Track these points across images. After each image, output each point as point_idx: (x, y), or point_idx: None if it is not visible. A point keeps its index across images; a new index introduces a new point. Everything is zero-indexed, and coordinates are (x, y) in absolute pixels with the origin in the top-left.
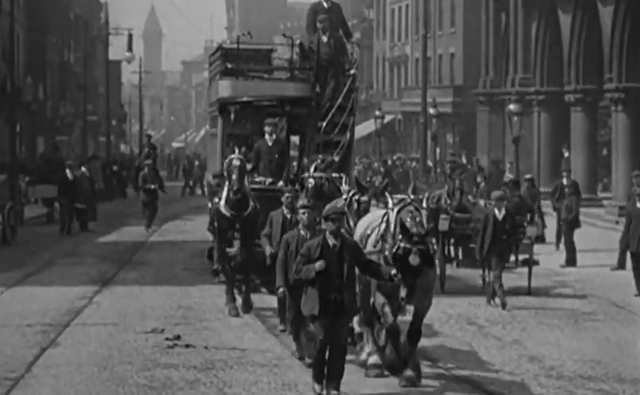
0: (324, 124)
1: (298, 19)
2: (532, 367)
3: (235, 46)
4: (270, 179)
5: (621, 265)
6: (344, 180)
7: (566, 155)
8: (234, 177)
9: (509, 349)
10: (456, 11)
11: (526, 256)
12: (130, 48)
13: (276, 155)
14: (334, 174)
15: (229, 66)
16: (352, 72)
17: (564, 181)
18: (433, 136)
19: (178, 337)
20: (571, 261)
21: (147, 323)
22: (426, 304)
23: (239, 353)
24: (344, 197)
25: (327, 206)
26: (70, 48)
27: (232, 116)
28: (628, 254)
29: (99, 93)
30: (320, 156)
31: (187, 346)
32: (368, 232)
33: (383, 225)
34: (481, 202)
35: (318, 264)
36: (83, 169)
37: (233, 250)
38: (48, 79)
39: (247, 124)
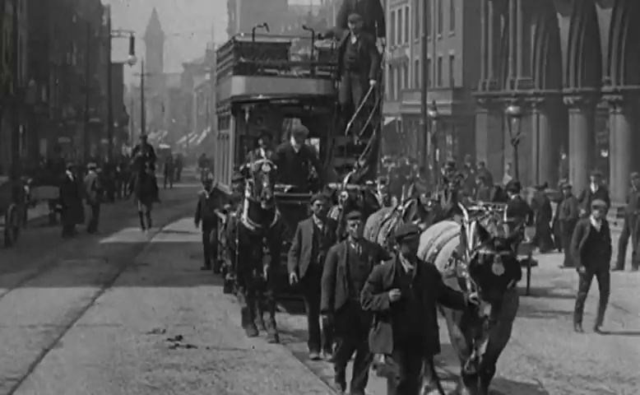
0: (349, 125)
1: (299, 21)
2: (531, 367)
3: (249, 39)
4: (289, 186)
5: (620, 265)
6: (379, 188)
7: (563, 157)
8: (264, 184)
9: (508, 349)
10: (455, 13)
11: (525, 257)
12: (132, 51)
13: (303, 164)
14: (368, 182)
15: (243, 61)
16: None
17: (592, 187)
18: (432, 138)
19: (179, 338)
20: (569, 262)
21: (149, 324)
22: (504, 339)
23: (241, 353)
24: (395, 208)
25: (401, 226)
26: (72, 50)
27: (246, 116)
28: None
29: (102, 95)
30: (355, 165)
31: (189, 346)
32: (434, 250)
33: (455, 242)
34: (480, 203)
35: (392, 293)
36: (90, 172)
37: (265, 269)
38: (51, 81)
39: (262, 125)
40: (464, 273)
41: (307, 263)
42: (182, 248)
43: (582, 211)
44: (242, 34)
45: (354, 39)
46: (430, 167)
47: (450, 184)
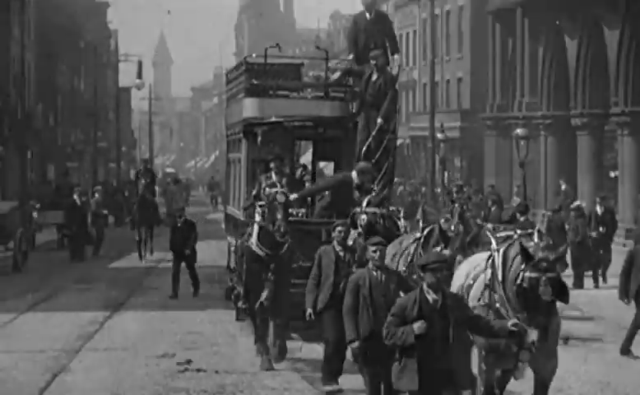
0: (364, 148)
1: (306, 45)
2: None
3: (261, 60)
4: (302, 210)
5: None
6: (402, 214)
7: (563, 187)
8: (279, 216)
9: None
10: (463, 36)
11: None
12: (140, 75)
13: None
14: (391, 208)
15: (255, 82)
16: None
17: (598, 209)
18: (441, 160)
19: (189, 362)
20: (578, 284)
21: (158, 348)
22: (552, 365)
23: (250, 377)
24: (417, 234)
25: (425, 254)
26: (80, 75)
27: (259, 139)
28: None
29: (110, 119)
30: (374, 189)
31: (199, 370)
32: (470, 281)
33: (488, 272)
34: (489, 226)
35: (417, 326)
36: (96, 195)
37: (263, 295)
38: (59, 106)
39: (275, 148)
40: (497, 304)
41: (328, 293)
42: None
43: (593, 234)
44: (254, 55)
45: (374, 77)
46: (438, 190)
47: (456, 205)
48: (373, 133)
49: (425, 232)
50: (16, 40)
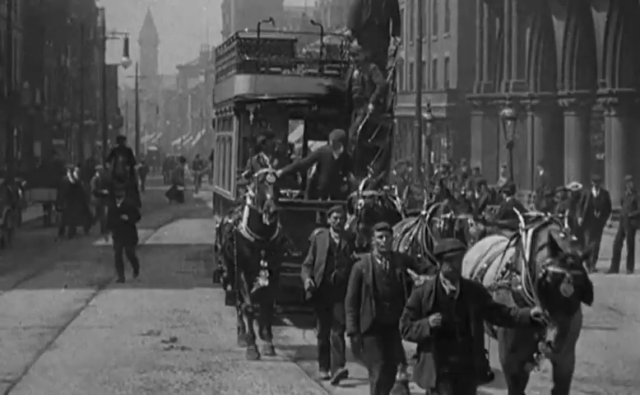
0: (360, 126)
1: (294, 23)
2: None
3: (254, 36)
4: (296, 191)
5: (614, 268)
6: (397, 195)
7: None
8: (268, 197)
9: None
10: (450, 15)
11: None
12: (126, 53)
13: (340, 172)
14: (385, 187)
15: (248, 58)
16: (391, 65)
17: (594, 192)
18: (427, 140)
19: (174, 340)
20: None
21: (143, 326)
22: (570, 359)
23: (235, 355)
24: (422, 212)
25: (440, 242)
26: (67, 52)
27: (251, 117)
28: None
29: (96, 97)
30: (370, 170)
31: (183, 348)
32: (484, 265)
33: (510, 252)
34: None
35: (432, 318)
36: (97, 174)
37: (261, 281)
38: (45, 83)
39: (267, 126)
40: (519, 286)
41: (320, 279)
42: (176, 250)
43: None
44: (246, 29)
45: (355, 73)
46: (422, 169)
47: (436, 187)
48: (369, 113)
49: (431, 209)
50: (2, 18)
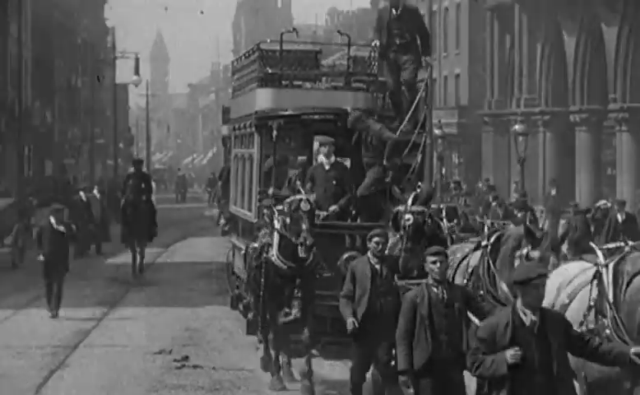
0: (391, 145)
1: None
2: None
3: (276, 47)
4: (324, 213)
5: None
6: (444, 213)
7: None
8: (304, 227)
9: None
10: (461, 32)
11: None
12: (137, 72)
13: (334, 182)
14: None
15: (270, 71)
16: (424, 79)
17: (619, 217)
18: (438, 156)
19: (185, 358)
20: None
21: (155, 345)
22: None
23: (247, 373)
24: (482, 240)
25: (521, 267)
26: (77, 72)
27: (274, 133)
28: None
29: (107, 116)
30: (420, 184)
31: (195, 367)
32: (565, 300)
33: (594, 291)
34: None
35: (511, 354)
36: (95, 191)
37: (293, 312)
38: (56, 103)
39: (290, 143)
40: (607, 331)
41: (363, 311)
42: (188, 268)
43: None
44: (268, 40)
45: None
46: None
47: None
48: (401, 128)
49: (492, 239)
50: (13, 37)
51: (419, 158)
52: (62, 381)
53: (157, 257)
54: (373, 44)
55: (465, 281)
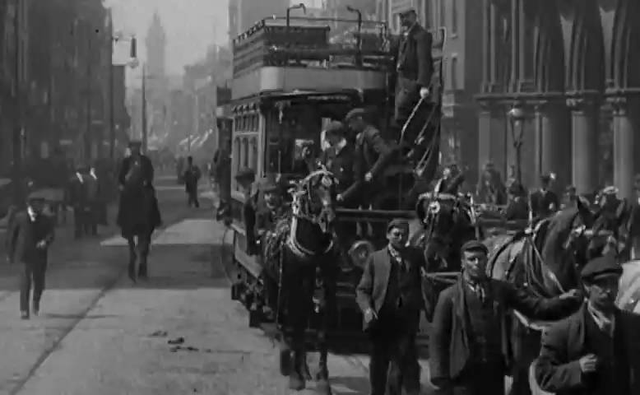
0: (405, 127)
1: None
2: None
3: (282, 24)
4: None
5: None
6: (472, 202)
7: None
8: (325, 203)
9: None
10: (457, 16)
11: None
12: (133, 54)
13: (341, 169)
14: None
15: (276, 49)
16: (439, 58)
17: None
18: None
19: (181, 340)
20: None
21: (150, 327)
22: None
23: (242, 356)
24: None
25: (593, 261)
26: (74, 53)
27: (280, 115)
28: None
29: (103, 98)
30: (447, 168)
31: (190, 349)
32: (630, 300)
33: None
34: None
35: (585, 362)
36: (92, 172)
37: (318, 303)
38: (53, 84)
39: (297, 126)
40: None
41: (380, 306)
42: (183, 251)
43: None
44: (274, 16)
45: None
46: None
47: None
48: (415, 109)
49: (538, 226)
50: (10, 18)
51: (434, 141)
52: (56, 362)
53: (153, 239)
54: (382, 22)
55: (506, 272)
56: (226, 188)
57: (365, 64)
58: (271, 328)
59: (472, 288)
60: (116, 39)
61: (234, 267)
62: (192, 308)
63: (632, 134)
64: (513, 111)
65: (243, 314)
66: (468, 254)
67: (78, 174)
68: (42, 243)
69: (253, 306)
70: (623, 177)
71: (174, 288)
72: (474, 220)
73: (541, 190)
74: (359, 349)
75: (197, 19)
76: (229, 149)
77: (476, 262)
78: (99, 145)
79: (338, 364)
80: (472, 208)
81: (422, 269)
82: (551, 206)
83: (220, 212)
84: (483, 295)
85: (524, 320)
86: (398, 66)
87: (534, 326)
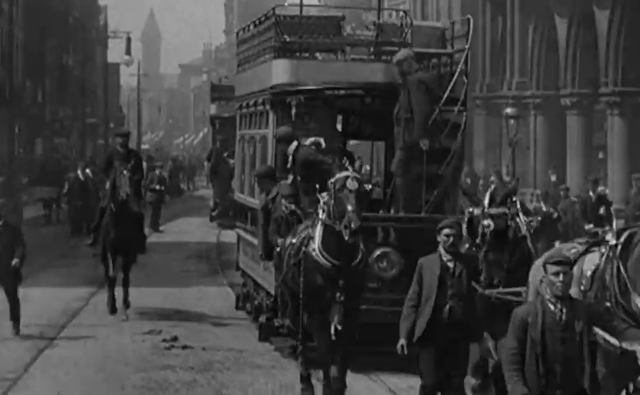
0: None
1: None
2: None
3: (295, 13)
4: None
5: None
6: (518, 206)
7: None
8: (349, 208)
9: None
10: (453, 14)
11: None
12: (129, 52)
13: (298, 178)
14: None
15: (288, 40)
16: (464, 49)
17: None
18: None
19: (175, 339)
20: None
21: (144, 325)
22: None
23: (237, 354)
24: (610, 240)
25: None
26: (69, 51)
27: (293, 111)
28: None
29: (98, 96)
30: (493, 174)
31: (185, 347)
32: None
33: None
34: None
35: None
36: (87, 170)
37: (335, 319)
38: (47, 82)
39: (309, 123)
40: None
41: (426, 319)
42: (178, 249)
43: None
44: (286, 3)
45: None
46: None
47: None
48: (440, 105)
49: (623, 237)
50: (4, 15)
51: (459, 140)
52: (50, 360)
53: (147, 237)
54: (402, 11)
55: (581, 289)
56: (220, 188)
57: (384, 56)
58: (283, 343)
59: (552, 307)
60: (112, 35)
61: (237, 274)
62: (186, 306)
63: (626, 133)
64: (508, 110)
65: (238, 313)
66: (552, 268)
67: (79, 171)
68: (14, 261)
69: (262, 318)
70: (616, 175)
71: (169, 286)
72: (524, 228)
73: (590, 193)
74: (381, 366)
75: (192, 18)
76: (223, 148)
77: (561, 277)
78: (94, 143)
79: (358, 384)
80: (521, 215)
81: (475, 282)
82: (602, 211)
83: (214, 213)
84: (563, 317)
85: (614, 340)
86: (395, 112)
87: (625, 345)
